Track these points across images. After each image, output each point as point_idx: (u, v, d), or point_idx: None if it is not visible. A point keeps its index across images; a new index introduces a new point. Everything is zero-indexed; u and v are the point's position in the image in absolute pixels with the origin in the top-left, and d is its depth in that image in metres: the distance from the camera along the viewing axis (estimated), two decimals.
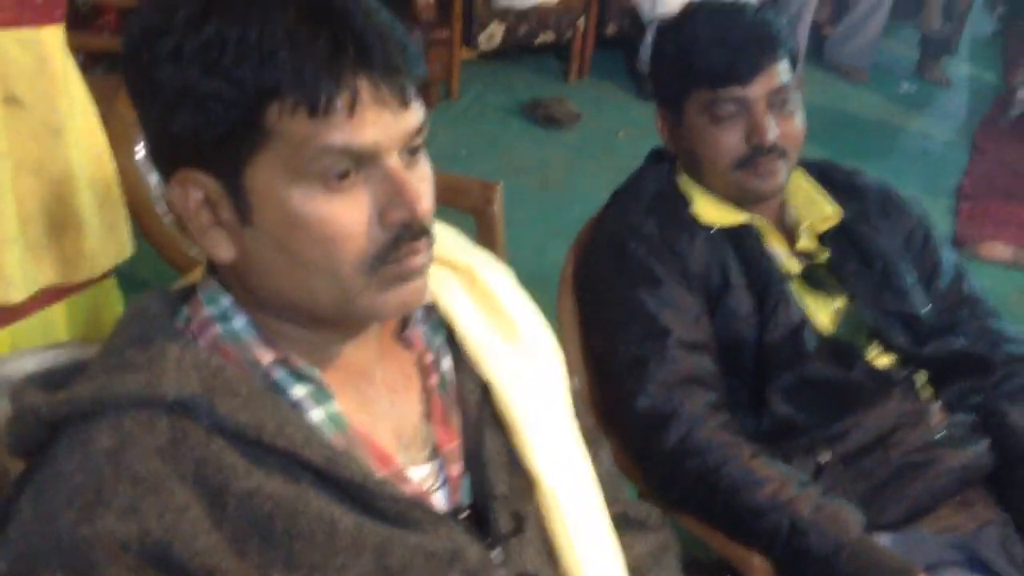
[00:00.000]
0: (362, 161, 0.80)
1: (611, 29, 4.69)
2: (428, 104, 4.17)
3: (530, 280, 1.11)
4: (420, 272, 0.86)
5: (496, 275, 1.06)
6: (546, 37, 4.50)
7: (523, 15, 4.36)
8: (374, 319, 0.89)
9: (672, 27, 1.55)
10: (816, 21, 4.89)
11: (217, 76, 0.77)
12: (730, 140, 1.49)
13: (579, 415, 1.09)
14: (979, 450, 1.47)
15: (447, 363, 0.99)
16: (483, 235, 2.11)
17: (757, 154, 1.48)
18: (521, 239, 3.20)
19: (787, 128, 1.49)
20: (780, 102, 1.49)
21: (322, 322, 0.88)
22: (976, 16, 5.57)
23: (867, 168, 1.72)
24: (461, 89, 4.36)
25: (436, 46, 4.16)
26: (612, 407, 1.49)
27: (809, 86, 4.72)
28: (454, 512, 0.93)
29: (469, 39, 4.31)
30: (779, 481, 1.33)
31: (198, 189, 0.83)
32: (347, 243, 0.81)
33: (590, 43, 4.63)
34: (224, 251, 0.85)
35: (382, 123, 0.80)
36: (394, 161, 0.82)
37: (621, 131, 4.21)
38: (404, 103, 0.81)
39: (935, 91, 5.08)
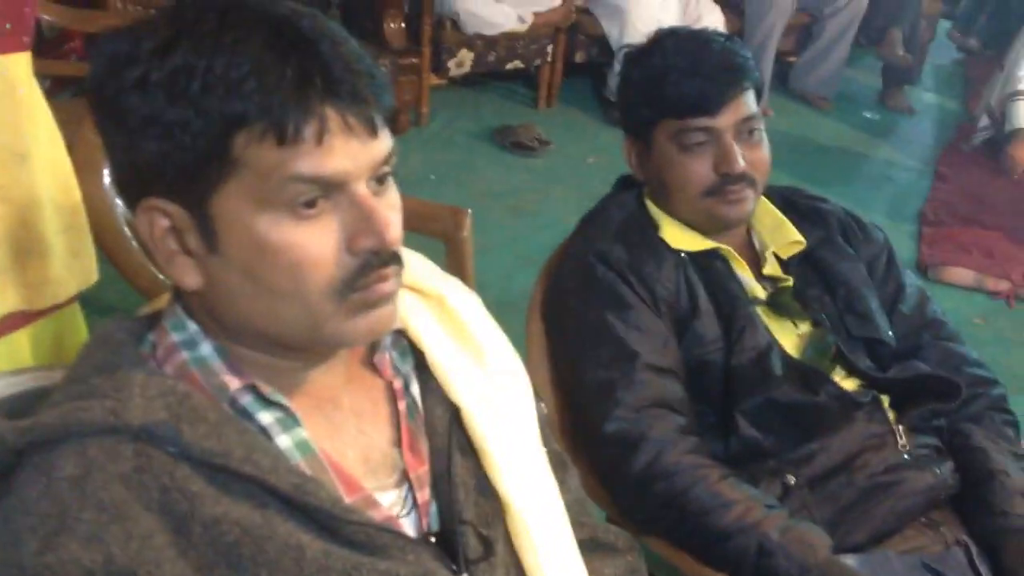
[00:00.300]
0: (330, 189, 0.81)
1: (580, 56, 4.74)
2: (397, 130, 4.21)
3: (499, 306, 1.11)
4: (389, 299, 0.86)
5: (465, 301, 1.06)
6: (515, 64, 4.54)
7: (492, 42, 4.39)
8: (342, 346, 0.89)
9: (640, 56, 1.57)
10: (780, 50, 4.96)
11: (184, 105, 0.77)
12: (699, 169, 1.50)
13: (547, 440, 1.10)
14: (943, 472, 1.48)
15: (416, 389, 0.99)
16: (452, 261, 2.12)
17: (726, 182, 1.50)
18: (490, 265, 3.21)
19: (754, 156, 1.51)
20: (747, 131, 1.51)
21: (290, 349, 0.88)
22: (938, 45, 5.68)
23: (831, 194, 1.75)
24: (431, 115, 4.38)
25: (405, 72, 4.18)
26: (580, 431, 1.50)
27: (774, 114, 4.79)
28: (423, 537, 0.93)
29: (438, 66, 4.34)
30: (746, 504, 1.34)
31: (164, 217, 0.83)
32: (315, 270, 0.81)
33: (559, 70, 4.67)
34: (191, 279, 0.84)
35: (350, 152, 0.80)
36: (362, 189, 0.82)
37: (590, 157, 4.24)
38: (372, 132, 0.82)
39: (898, 119, 5.17)
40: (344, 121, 0.79)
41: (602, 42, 4.63)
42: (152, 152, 0.80)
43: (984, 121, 4.67)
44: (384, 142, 0.83)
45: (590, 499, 1.21)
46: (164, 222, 0.83)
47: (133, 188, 0.84)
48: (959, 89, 5.57)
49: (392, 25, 4.09)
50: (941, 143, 4.87)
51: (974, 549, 1.45)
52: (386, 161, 0.84)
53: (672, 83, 1.48)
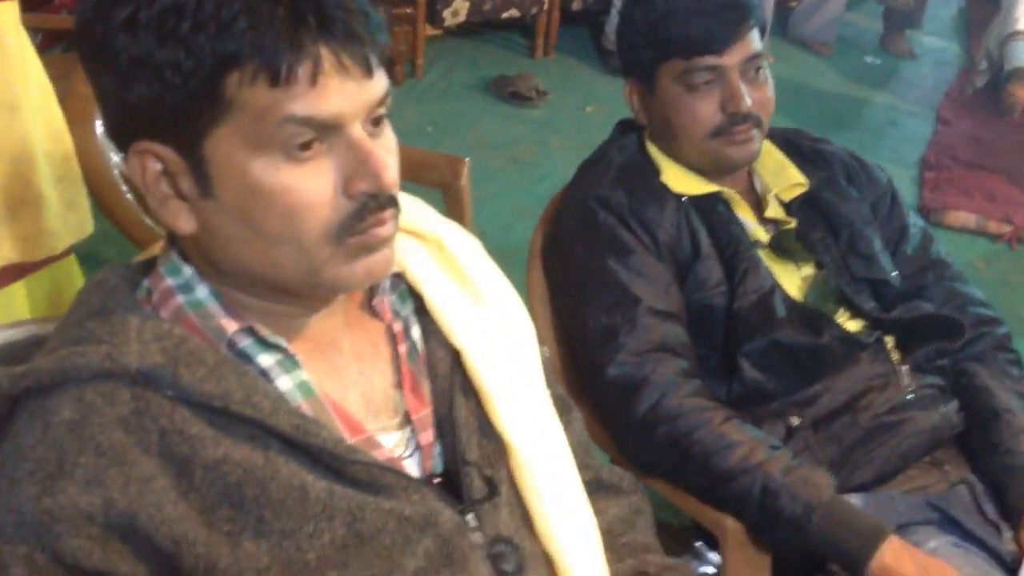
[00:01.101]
0: (325, 131, 0.79)
1: (577, 5, 4.68)
2: (394, 82, 4.14)
3: (498, 255, 1.10)
4: (386, 242, 0.85)
5: (464, 244, 1.05)
6: (511, 13, 4.48)
7: None
8: (340, 290, 0.88)
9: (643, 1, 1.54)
10: None
11: (174, 45, 0.75)
12: (706, 109, 1.48)
13: (550, 383, 1.09)
14: (948, 411, 1.48)
15: (416, 331, 0.98)
16: (451, 211, 2.10)
17: (733, 123, 1.48)
18: (488, 215, 3.20)
19: (760, 95, 1.49)
20: (753, 70, 1.49)
21: (287, 294, 0.87)
22: None
23: (836, 141, 1.73)
24: (426, 66, 4.33)
25: (400, 23, 4.13)
26: (583, 376, 1.49)
27: (774, 60, 4.73)
28: (427, 478, 0.92)
29: (433, 16, 4.28)
30: (750, 445, 1.34)
31: (156, 161, 0.81)
32: (311, 213, 0.80)
33: (556, 19, 4.61)
34: (184, 223, 0.83)
35: (345, 92, 0.78)
36: (358, 131, 0.81)
37: (588, 107, 4.20)
38: (367, 72, 0.80)
39: (899, 63, 5.11)
40: (339, 61, 0.78)
41: None
42: (143, 94, 0.78)
43: (983, 64, 4.62)
44: (380, 82, 0.82)
45: (595, 443, 1.21)
46: (156, 165, 0.81)
47: (125, 131, 0.82)
48: (961, 33, 5.50)
49: None
50: (943, 87, 4.82)
51: (978, 488, 1.45)
52: (382, 102, 0.82)
53: (677, 23, 1.46)
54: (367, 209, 0.82)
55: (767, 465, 1.31)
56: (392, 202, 0.84)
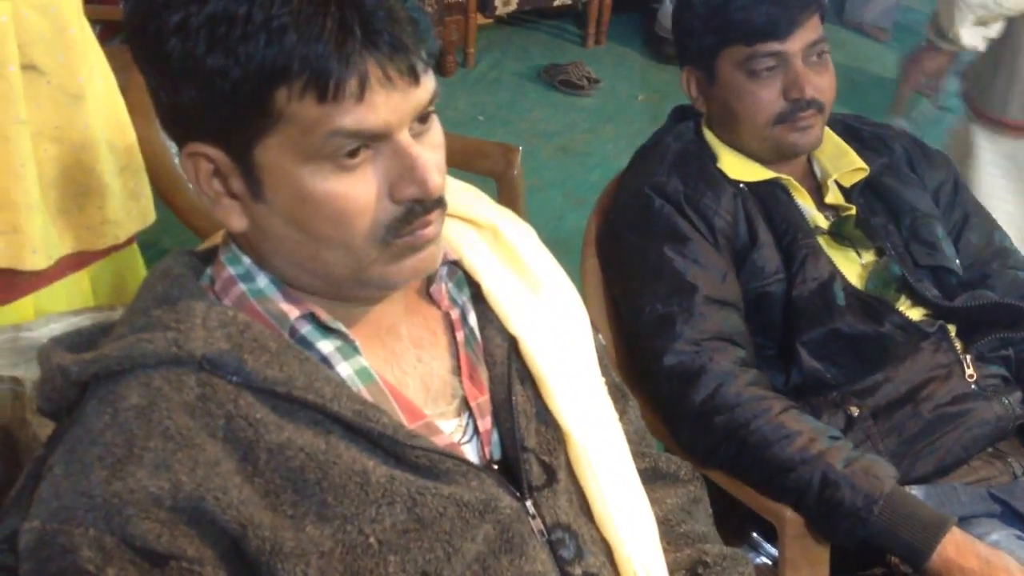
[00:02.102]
0: (372, 139, 0.80)
1: None
2: (445, 71, 4.18)
3: (550, 244, 1.10)
4: (433, 241, 0.86)
5: (520, 232, 1.05)
6: (563, 1, 4.47)
7: None
8: (389, 287, 0.89)
9: None
10: None
11: (223, 52, 0.76)
12: (768, 95, 1.47)
13: (605, 371, 1.09)
14: (1012, 402, 1.45)
15: (473, 319, 0.98)
16: (504, 199, 2.10)
17: (796, 109, 1.47)
18: (541, 204, 3.19)
19: (822, 81, 1.48)
20: (816, 56, 1.48)
21: (339, 289, 0.87)
22: None
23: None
24: (478, 55, 4.33)
25: (451, 12, 4.14)
26: (640, 365, 1.49)
27: (831, 46, 4.66)
28: (486, 465, 0.92)
29: (485, 5, 4.28)
30: (809, 435, 1.32)
31: (208, 162, 0.82)
32: (359, 218, 0.81)
33: (607, 7, 4.59)
34: (236, 221, 0.84)
35: (391, 104, 0.79)
36: (405, 137, 0.81)
37: (640, 95, 4.18)
38: (414, 80, 0.80)
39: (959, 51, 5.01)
40: (385, 74, 0.78)
41: None
42: (193, 98, 0.79)
43: None
44: (426, 88, 0.82)
45: (650, 432, 1.20)
46: (208, 166, 0.82)
47: (177, 131, 0.84)
48: None
49: None
50: None
51: None
52: (430, 103, 0.83)
53: (739, 8, 1.45)
54: (413, 213, 0.83)
55: (827, 455, 1.30)
56: (438, 204, 0.85)
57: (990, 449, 1.44)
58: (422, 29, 0.80)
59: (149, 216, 1.55)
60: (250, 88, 0.77)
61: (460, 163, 2.23)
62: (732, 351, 1.40)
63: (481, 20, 4.37)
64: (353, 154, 0.79)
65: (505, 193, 2.12)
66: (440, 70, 4.20)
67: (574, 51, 4.56)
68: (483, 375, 0.96)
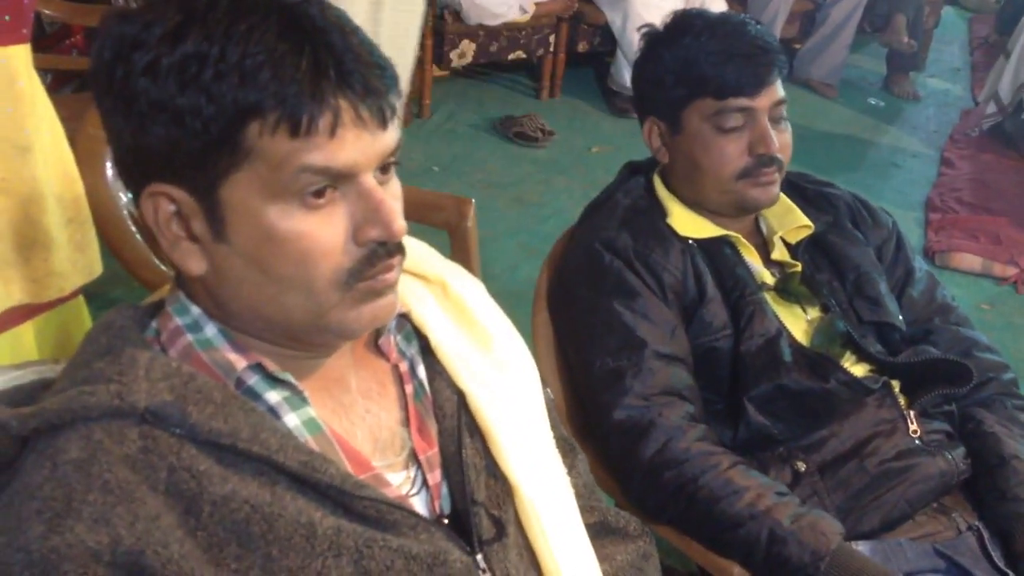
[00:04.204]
0: (339, 180, 0.81)
1: (582, 46, 4.72)
2: (404, 121, 4.19)
3: (504, 295, 1.11)
4: (392, 287, 0.87)
5: (468, 286, 1.06)
6: (518, 54, 4.52)
7: (494, 33, 4.38)
8: (345, 335, 0.89)
9: (669, 37, 1.55)
10: (784, 37, 4.94)
11: (195, 92, 0.77)
12: (735, 150, 1.49)
13: (554, 425, 1.09)
14: (955, 457, 1.47)
15: (422, 372, 0.98)
16: (457, 251, 2.10)
17: (760, 165, 1.49)
18: (495, 255, 3.20)
19: (783, 140, 1.51)
20: (778, 115, 1.51)
21: (293, 338, 0.87)
22: (943, 31, 5.65)
23: (837, 182, 1.74)
24: (433, 107, 4.37)
25: (413, 64, 4.16)
26: (589, 420, 1.49)
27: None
28: (435, 518, 0.92)
29: (440, 57, 4.32)
30: (757, 491, 1.33)
31: (170, 203, 0.82)
32: (323, 259, 0.82)
33: (561, 60, 4.66)
34: (195, 265, 0.84)
35: (361, 144, 0.80)
36: (370, 180, 0.82)
37: (594, 147, 4.23)
38: (383, 123, 0.82)
39: (903, 105, 5.14)
40: (356, 113, 0.79)
41: (605, 31, 4.61)
42: (160, 137, 0.79)
43: (991, 108, 4.64)
44: (392, 135, 0.83)
45: (599, 487, 1.20)
46: (170, 207, 0.82)
47: (138, 173, 0.83)
48: (964, 75, 5.54)
49: None
50: (946, 129, 4.85)
51: (986, 534, 1.44)
52: (394, 152, 0.84)
53: (712, 64, 1.47)
54: (376, 256, 0.83)
55: (774, 511, 1.31)
56: (400, 249, 0.85)
57: (935, 504, 1.46)
58: (389, 75, 0.82)
59: (96, 268, 1.53)
60: (222, 124, 0.77)
61: (414, 216, 2.23)
62: (681, 406, 1.40)
63: (437, 72, 4.40)
64: (319, 194, 0.80)
65: (459, 245, 2.13)
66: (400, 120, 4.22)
67: (529, 103, 4.61)
68: (432, 428, 0.96)
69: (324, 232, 0.81)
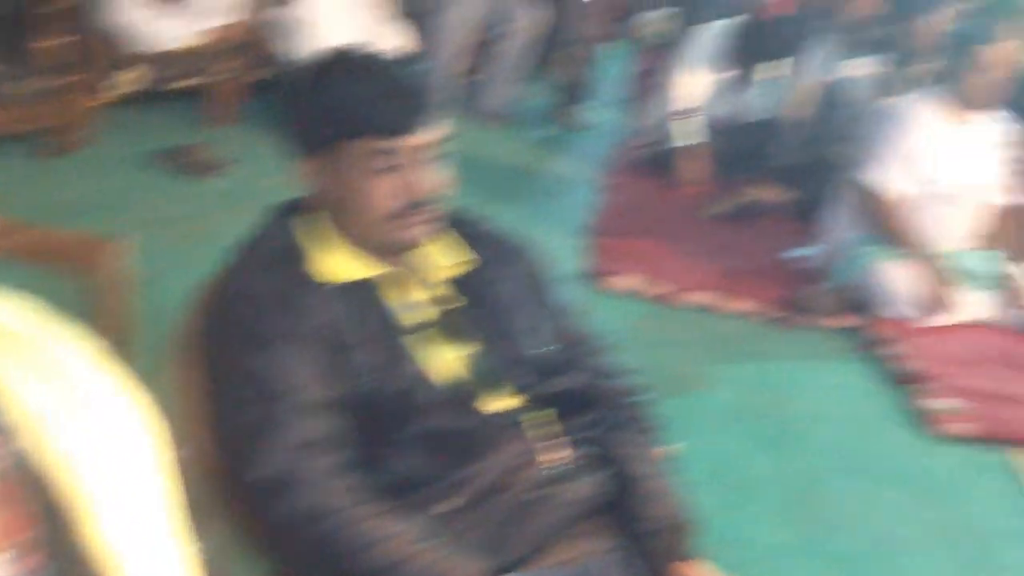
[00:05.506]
0: None
1: (260, 74, 4.62)
2: (55, 153, 3.91)
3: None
4: None
5: (67, 343, 0.99)
6: (190, 82, 4.36)
7: (164, 59, 4.20)
8: None
9: (320, 75, 1.52)
10: (459, 70, 5.09)
11: None
12: (387, 191, 1.49)
13: (180, 489, 1.04)
14: (594, 481, 1.54)
15: (14, 442, 0.90)
16: (108, 296, 1.98)
17: (411, 206, 1.49)
18: (159, 295, 3.02)
19: (438, 180, 1.53)
20: (432, 156, 1.52)
21: None
22: (606, 64, 6.03)
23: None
24: (95, 137, 4.10)
25: (64, 93, 3.90)
26: (232, 478, 1.43)
27: (453, 135, 4.88)
28: None
29: (102, 85, 4.09)
30: (399, 538, 1.33)
31: None
32: None
33: (238, 88, 4.54)
34: None
35: None
36: None
37: (272, 178, 4.12)
38: None
39: (571, 135, 5.44)
40: None
41: (284, 60, 4.55)
42: None
43: (645, 137, 5.02)
44: None
45: (248, 546, 1.16)
46: None
47: None
48: (625, 106, 5.93)
49: (48, 42, 3.81)
50: (609, 158, 5.18)
51: (626, 555, 1.52)
52: None
53: (364, 104, 1.46)
54: None
55: (418, 557, 1.31)
56: None
57: (577, 529, 1.51)
58: None
59: None
60: None
61: (50, 258, 2.08)
62: (325, 457, 1.38)
63: (99, 100, 4.15)
64: None
65: (108, 289, 2.00)
66: (49, 152, 3.93)
67: (202, 133, 4.45)
68: (24, 506, 0.88)
69: None
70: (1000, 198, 3.95)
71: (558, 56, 5.38)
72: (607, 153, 5.24)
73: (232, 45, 4.38)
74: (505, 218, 4.37)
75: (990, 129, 3.92)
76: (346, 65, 1.51)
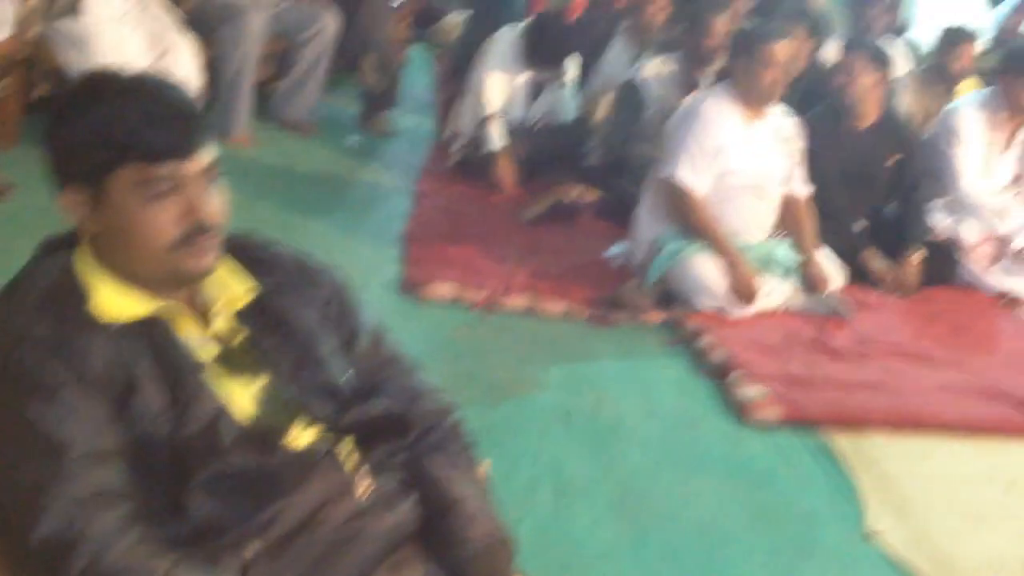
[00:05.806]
0: None
1: (42, 90, 4.34)
2: None
3: None
4: None
5: None
6: None
7: None
8: None
9: (85, 100, 1.42)
10: (258, 78, 4.93)
11: None
12: (166, 219, 1.40)
13: None
14: (406, 508, 1.50)
15: None
16: None
17: (196, 233, 1.42)
18: None
19: (218, 204, 1.45)
20: (212, 179, 1.44)
21: None
22: (412, 68, 6.00)
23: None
24: None
25: None
26: (14, 543, 1.31)
27: (258, 143, 4.74)
28: None
29: None
30: None
31: None
32: None
33: (17, 106, 4.24)
34: None
35: None
36: None
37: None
38: None
39: (380, 142, 5.38)
40: None
41: (67, 74, 4.28)
42: None
43: (458, 142, 5.00)
44: None
45: None
46: None
47: None
48: (433, 110, 5.91)
49: None
50: (421, 163, 5.14)
51: None
52: None
53: (136, 128, 1.37)
54: None
55: None
56: None
57: (392, 559, 1.46)
58: None
59: None
60: None
61: None
62: (113, 510, 1.28)
63: None
64: None
65: None
66: None
67: None
68: None
69: None
70: (787, 189, 4.14)
71: (365, 61, 5.30)
72: (418, 159, 5.20)
73: (7, 60, 4.08)
74: (315, 230, 4.31)
75: (778, 123, 4.12)
76: (109, 89, 1.43)
